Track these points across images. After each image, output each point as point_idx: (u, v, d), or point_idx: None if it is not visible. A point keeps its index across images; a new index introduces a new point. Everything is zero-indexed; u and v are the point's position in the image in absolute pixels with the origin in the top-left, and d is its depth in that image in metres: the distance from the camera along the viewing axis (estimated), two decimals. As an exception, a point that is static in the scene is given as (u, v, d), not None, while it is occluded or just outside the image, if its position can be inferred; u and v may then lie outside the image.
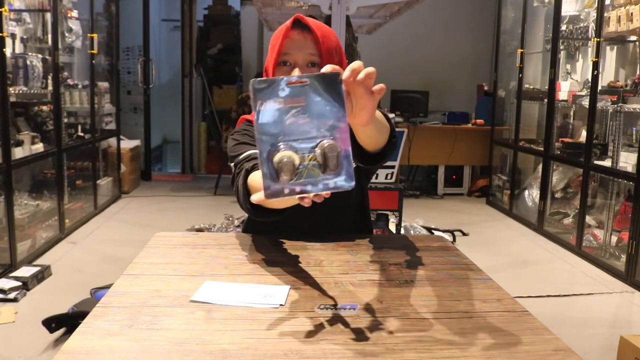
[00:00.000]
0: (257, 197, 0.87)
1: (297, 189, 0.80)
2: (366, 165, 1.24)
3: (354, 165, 0.82)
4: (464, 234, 4.69)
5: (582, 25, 4.60)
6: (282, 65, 1.32)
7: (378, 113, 1.15)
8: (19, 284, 3.08)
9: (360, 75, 0.84)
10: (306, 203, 0.85)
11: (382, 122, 1.16)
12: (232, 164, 1.32)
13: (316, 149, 0.80)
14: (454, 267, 1.19)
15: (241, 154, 1.31)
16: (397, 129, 4.07)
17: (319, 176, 0.80)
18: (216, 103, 7.77)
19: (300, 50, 1.30)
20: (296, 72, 1.27)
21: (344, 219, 1.47)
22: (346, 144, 0.80)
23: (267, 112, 0.80)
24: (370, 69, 0.88)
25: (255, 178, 1.15)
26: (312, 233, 1.37)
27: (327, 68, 0.81)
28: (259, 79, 0.81)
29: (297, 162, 0.80)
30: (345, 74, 0.82)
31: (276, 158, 0.80)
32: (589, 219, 4.21)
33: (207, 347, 0.81)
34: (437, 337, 0.85)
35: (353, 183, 0.80)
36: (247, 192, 1.17)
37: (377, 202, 3.54)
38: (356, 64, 0.84)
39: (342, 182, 0.80)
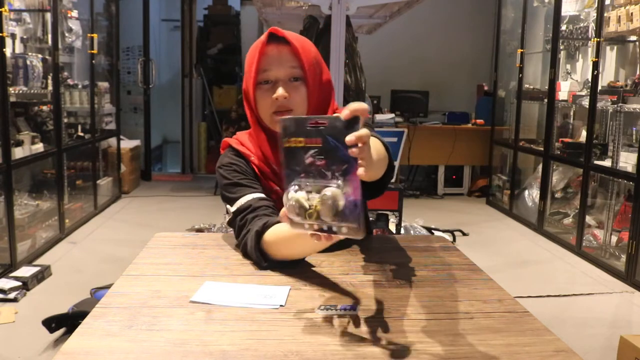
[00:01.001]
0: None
1: (315, 226, 0.82)
2: (368, 198, 1.22)
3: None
4: (464, 234, 4.68)
5: (582, 25, 4.60)
6: (264, 84, 1.24)
7: (376, 143, 1.08)
8: (19, 284, 3.08)
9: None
10: (317, 239, 0.86)
11: (380, 158, 1.06)
12: (231, 209, 1.25)
13: (319, 195, 0.81)
14: (454, 267, 1.19)
15: (239, 197, 1.25)
16: (397, 129, 4.05)
17: (326, 220, 0.82)
18: (216, 103, 7.77)
19: (280, 65, 1.22)
20: (280, 91, 1.22)
21: None
22: (356, 192, 0.79)
23: (290, 149, 0.83)
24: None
25: (277, 232, 1.12)
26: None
27: (346, 113, 0.79)
28: (288, 117, 0.83)
29: (305, 204, 0.82)
30: (349, 139, 0.77)
31: (285, 198, 0.83)
32: (589, 219, 4.21)
33: (206, 348, 0.80)
34: (438, 338, 0.84)
35: (362, 235, 0.80)
36: (261, 252, 1.15)
37: (377, 202, 3.54)
38: (365, 133, 0.78)
39: (351, 231, 0.80)
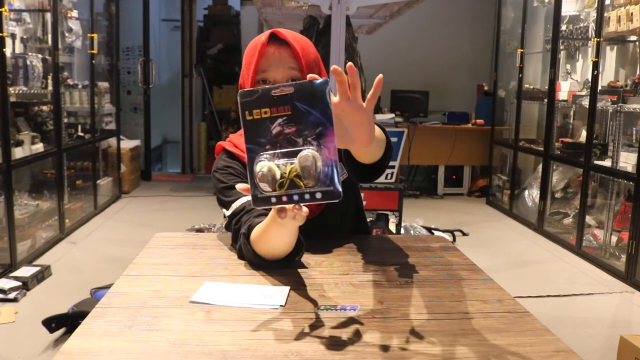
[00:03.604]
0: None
1: (284, 198, 0.81)
2: (366, 182, 1.23)
3: (343, 175, 0.82)
4: (464, 234, 4.68)
5: (582, 25, 4.60)
6: (262, 83, 1.25)
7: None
8: (19, 284, 3.08)
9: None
10: (281, 217, 0.85)
11: (379, 136, 1.12)
12: (227, 212, 1.25)
13: (295, 160, 0.80)
14: (454, 267, 1.19)
15: (234, 200, 1.25)
16: (397, 129, 4.04)
17: (302, 187, 0.80)
18: (216, 103, 7.77)
19: (279, 66, 1.23)
20: None
21: (342, 227, 1.43)
22: (332, 153, 0.79)
23: (254, 122, 0.81)
24: (356, 81, 0.87)
25: (257, 234, 1.12)
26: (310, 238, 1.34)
27: (311, 76, 0.80)
28: (245, 89, 0.81)
29: (277, 173, 0.80)
30: (334, 99, 0.80)
31: (256, 169, 0.81)
32: (589, 219, 4.21)
33: (206, 348, 0.80)
34: (438, 338, 0.84)
35: (340, 195, 0.79)
36: (255, 254, 1.14)
37: (377, 202, 3.53)
38: (341, 74, 0.83)
39: (328, 194, 0.80)
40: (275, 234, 1.07)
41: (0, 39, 3.14)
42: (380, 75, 0.90)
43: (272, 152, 0.81)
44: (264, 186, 0.81)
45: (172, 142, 8.11)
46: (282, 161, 0.81)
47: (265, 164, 0.81)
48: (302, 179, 0.80)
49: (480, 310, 0.96)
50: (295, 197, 0.81)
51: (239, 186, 0.87)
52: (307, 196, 0.81)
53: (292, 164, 0.80)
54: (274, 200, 0.82)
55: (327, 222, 1.34)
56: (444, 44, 6.84)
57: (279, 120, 0.80)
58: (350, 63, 0.87)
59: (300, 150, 0.80)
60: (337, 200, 0.80)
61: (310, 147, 0.80)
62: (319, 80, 0.80)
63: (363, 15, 4.46)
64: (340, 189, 0.80)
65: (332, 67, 0.86)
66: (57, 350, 0.89)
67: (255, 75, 1.24)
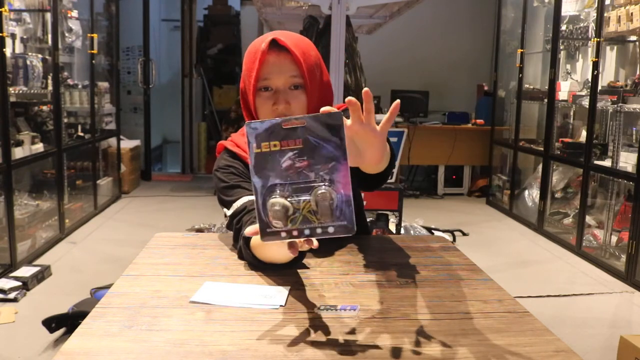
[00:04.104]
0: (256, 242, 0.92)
1: (295, 232, 0.79)
2: (370, 190, 1.24)
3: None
4: (464, 234, 4.68)
5: (582, 25, 4.60)
6: (263, 91, 1.24)
7: None
8: (19, 284, 3.08)
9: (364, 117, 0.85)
10: (293, 253, 0.83)
11: (386, 152, 1.09)
12: (228, 212, 1.24)
13: (310, 196, 0.78)
14: (454, 267, 1.19)
15: (235, 199, 1.24)
16: (397, 129, 4.04)
17: (315, 222, 0.78)
18: (216, 103, 7.78)
19: (280, 73, 1.22)
20: (281, 106, 1.22)
21: None
22: (346, 188, 0.77)
23: (263, 155, 0.78)
24: (370, 107, 0.88)
25: (258, 242, 1.10)
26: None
27: (325, 109, 0.79)
28: (253, 121, 0.79)
29: (290, 209, 0.78)
30: (347, 122, 0.80)
31: (268, 204, 0.78)
32: (589, 219, 4.21)
33: (206, 348, 0.80)
34: (438, 338, 0.84)
35: (354, 230, 0.78)
36: (255, 257, 1.13)
37: (377, 202, 3.54)
38: (356, 104, 0.83)
39: (341, 229, 0.78)
40: (278, 249, 1.07)
41: (0, 39, 3.14)
42: (398, 101, 0.90)
43: (282, 187, 0.78)
44: (277, 223, 0.78)
45: (172, 142, 8.11)
46: (294, 197, 0.78)
47: (278, 201, 0.78)
48: (316, 215, 0.78)
49: (480, 310, 0.96)
50: (307, 232, 0.78)
51: (248, 230, 0.85)
52: (319, 230, 0.78)
53: (305, 199, 0.78)
54: (284, 234, 0.79)
55: None
56: (444, 44, 6.84)
57: (290, 153, 0.78)
58: (366, 89, 0.86)
59: (312, 186, 0.78)
60: (350, 235, 0.78)
61: (325, 184, 0.77)
62: (333, 112, 0.78)
63: (363, 15, 4.47)
64: (354, 223, 0.78)
65: (347, 98, 0.85)
66: (57, 350, 0.89)
67: (257, 83, 1.24)
